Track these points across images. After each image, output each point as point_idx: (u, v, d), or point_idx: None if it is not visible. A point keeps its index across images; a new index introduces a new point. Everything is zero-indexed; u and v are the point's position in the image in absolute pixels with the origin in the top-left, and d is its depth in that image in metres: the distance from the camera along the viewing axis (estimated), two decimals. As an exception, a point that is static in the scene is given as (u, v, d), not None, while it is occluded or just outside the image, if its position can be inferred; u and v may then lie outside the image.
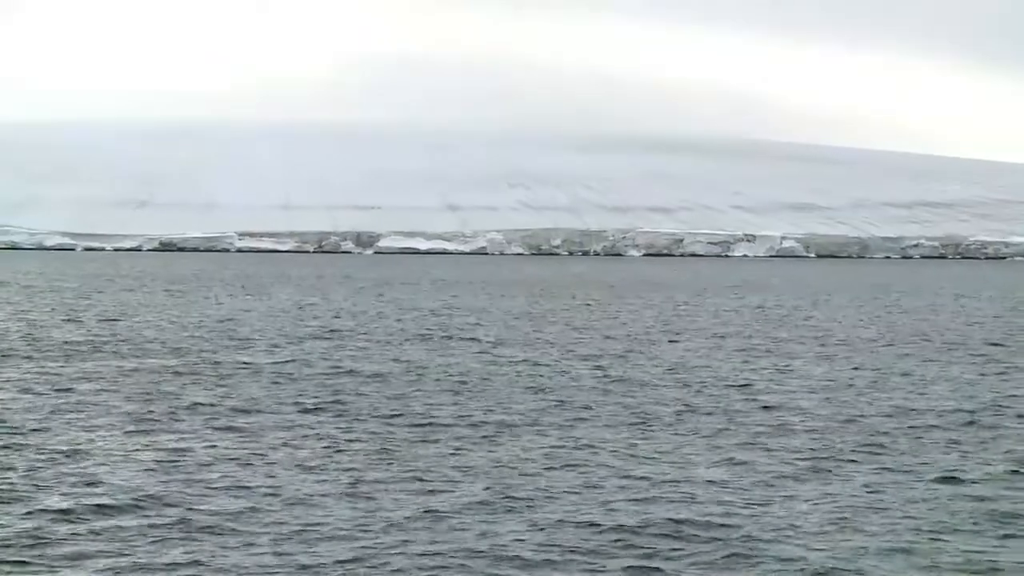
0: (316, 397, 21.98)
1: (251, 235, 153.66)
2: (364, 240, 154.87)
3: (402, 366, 27.29)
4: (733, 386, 24.54)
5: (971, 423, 20.08)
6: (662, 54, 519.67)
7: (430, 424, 19.24)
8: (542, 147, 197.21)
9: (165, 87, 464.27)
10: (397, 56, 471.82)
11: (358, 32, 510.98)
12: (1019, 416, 20.97)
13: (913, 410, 21.50)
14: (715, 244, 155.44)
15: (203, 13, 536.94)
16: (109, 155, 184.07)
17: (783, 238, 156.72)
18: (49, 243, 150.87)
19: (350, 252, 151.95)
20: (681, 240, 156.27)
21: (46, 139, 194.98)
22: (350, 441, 17.60)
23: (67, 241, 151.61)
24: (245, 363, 27.46)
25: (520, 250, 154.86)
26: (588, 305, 53.11)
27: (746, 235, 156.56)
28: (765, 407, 21.57)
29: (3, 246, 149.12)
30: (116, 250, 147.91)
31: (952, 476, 15.77)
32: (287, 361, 27.93)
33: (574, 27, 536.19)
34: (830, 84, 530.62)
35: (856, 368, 28.38)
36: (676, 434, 18.61)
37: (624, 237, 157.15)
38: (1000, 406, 22.00)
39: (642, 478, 15.34)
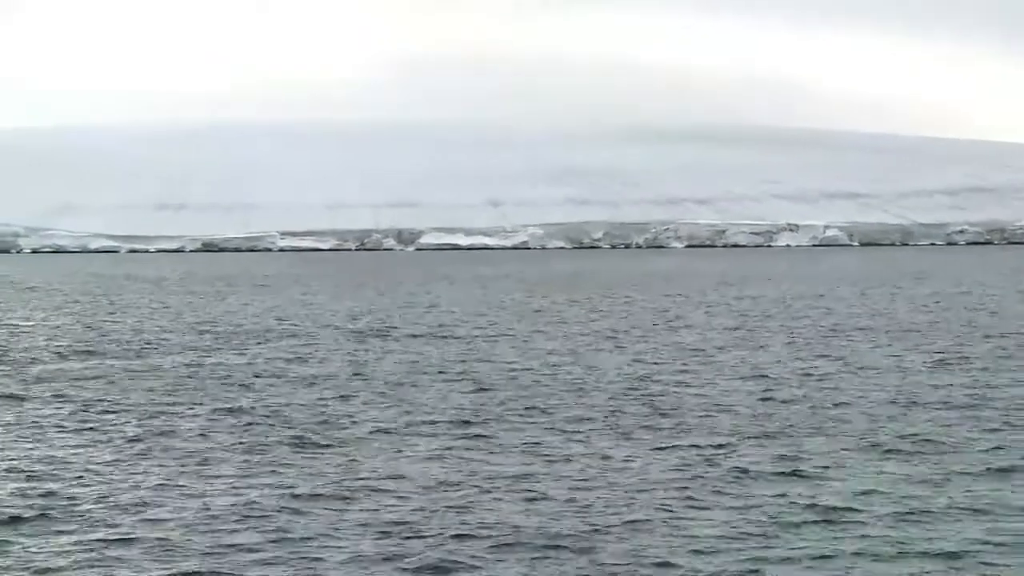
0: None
1: (292, 234, 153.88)
2: (405, 237, 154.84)
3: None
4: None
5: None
6: (700, 43, 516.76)
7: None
8: (582, 141, 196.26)
9: (199, 89, 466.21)
10: (438, 54, 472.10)
11: (396, 30, 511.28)
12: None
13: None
14: (757, 234, 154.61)
15: (238, 14, 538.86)
16: (145, 158, 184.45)
17: (826, 227, 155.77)
18: (93, 246, 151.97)
19: (392, 249, 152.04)
20: (723, 231, 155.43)
21: (82, 143, 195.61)
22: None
23: (110, 244, 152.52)
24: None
25: (561, 244, 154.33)
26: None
27: (789, 225, 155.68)
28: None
29: (48, 249, 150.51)
30: (159, 251, 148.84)
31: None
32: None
33: (612, 19, 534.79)
34: (870, 71, 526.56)
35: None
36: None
37: (666, 229, 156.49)
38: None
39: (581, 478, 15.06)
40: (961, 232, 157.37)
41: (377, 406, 21.10)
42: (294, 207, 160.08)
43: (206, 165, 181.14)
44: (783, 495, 14.16)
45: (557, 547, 12.14)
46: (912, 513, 13.29)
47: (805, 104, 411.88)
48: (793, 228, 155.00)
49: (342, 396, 22.23)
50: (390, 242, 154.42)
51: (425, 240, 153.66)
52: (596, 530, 12.74)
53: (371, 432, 18.41)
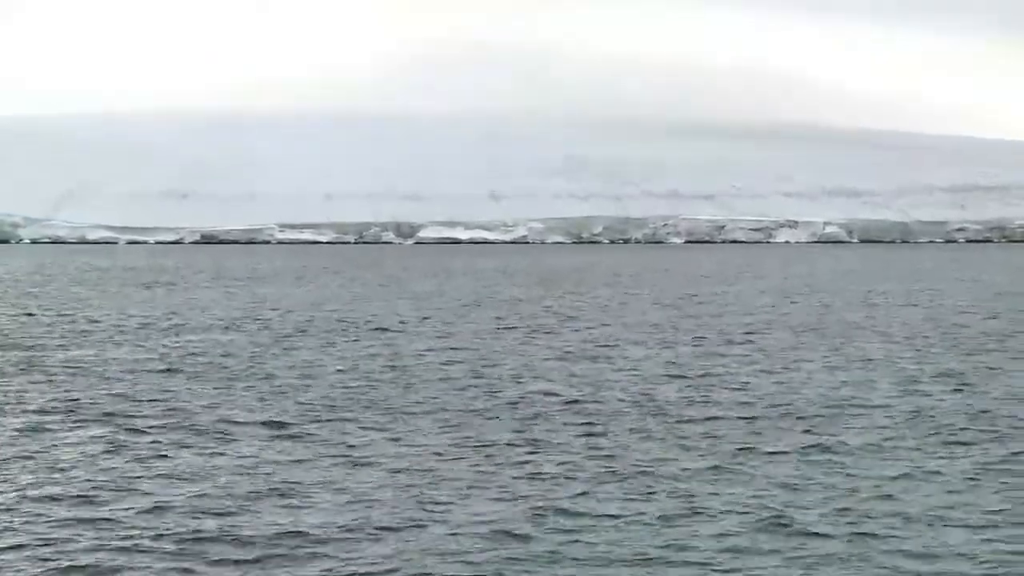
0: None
1: (291, 227, 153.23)
2: (405, 231, 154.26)
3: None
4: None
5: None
6: (702, 37, 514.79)
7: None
8: (583, 134, 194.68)
9: (208, 78, 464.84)
10: (439, 46, 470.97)
11: (397, 22, 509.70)
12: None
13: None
14: (757, 231, 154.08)
15: (241, 6, 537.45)
16: (153, 147, 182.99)
17: (825, 224, 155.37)
18: (92, 237, 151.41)
19: (391, 243, 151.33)
20: (723, 227, 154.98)
21: (91, 131, 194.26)
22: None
23: (110, 235, 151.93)
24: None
25: (561, 239, 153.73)
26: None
27: (788, 221, 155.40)
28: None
29: (45, 240, 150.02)
30: (157, 243, 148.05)
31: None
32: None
33: (613, 12, 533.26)
34: (872, 66, 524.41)
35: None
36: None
37: (665, 224, 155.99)
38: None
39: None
40: (961, 230, 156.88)
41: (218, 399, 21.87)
42: (295, 199, 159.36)
43: (212, 155, 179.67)
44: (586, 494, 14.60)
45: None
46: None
47: (806, 99, 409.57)
48: (792, 224, 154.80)
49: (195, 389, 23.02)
50: (389, 235, 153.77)
51: (425, 234, 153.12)
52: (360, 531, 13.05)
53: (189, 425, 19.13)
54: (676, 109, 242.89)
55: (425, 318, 41.26)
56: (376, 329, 36.63)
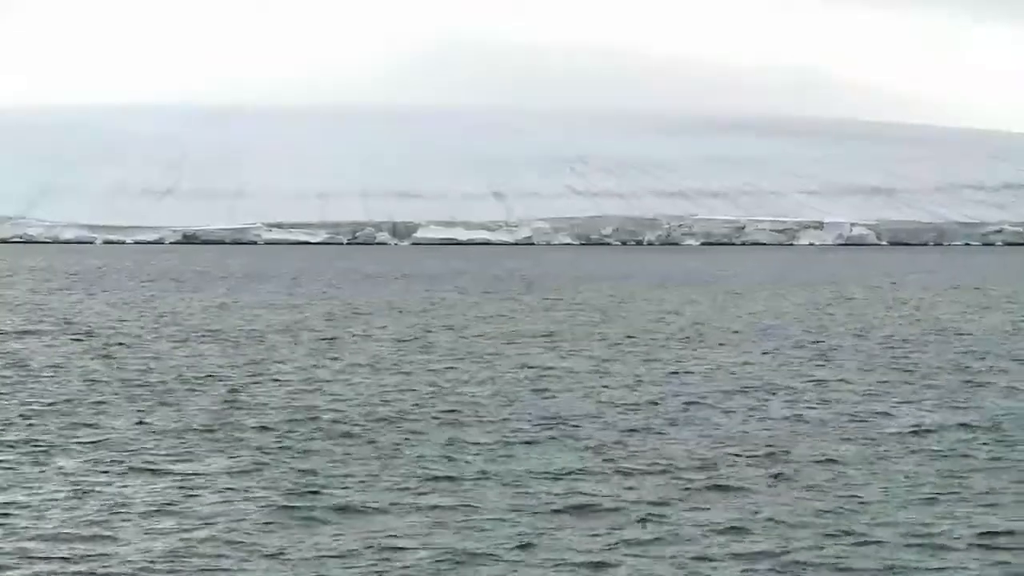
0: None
1: (279, 227, 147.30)
2: (400, 230, 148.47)
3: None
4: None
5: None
6: (716, 28, 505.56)
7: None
8: (592, 129, 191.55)
9: (194, 71, 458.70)
10: (440, 36, 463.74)
11: (397, 14, 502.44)
12: None
13: None
14: (779, 232, 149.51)
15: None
16: (135, 142, 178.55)
17: (853, 225, 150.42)
18: (66, 236, 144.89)
19: (385, 243, 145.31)
20: (742, 228, 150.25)
21: (80, 123, 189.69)
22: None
23: (85, 234, 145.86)
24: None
25: (568, 240, 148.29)
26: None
27: (813, 222, 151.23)
28: None
29: (16, 240, 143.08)
30: (136, 243, 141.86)
31: None
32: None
33: (625, 4, 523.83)
34: (901, 56, 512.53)
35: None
36: None
37: (680, 225, 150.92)
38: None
39: None
40: (999, 232, 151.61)
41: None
42: (284, 197, 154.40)
43: (198, 151, 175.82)
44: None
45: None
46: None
47: (832, 92, 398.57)
48: (817, 226, 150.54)
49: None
50: (384, 236, 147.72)
51: (422, 234, 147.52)
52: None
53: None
54: (690, 103, 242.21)
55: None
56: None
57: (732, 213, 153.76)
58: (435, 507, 14.73)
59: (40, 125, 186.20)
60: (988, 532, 13.84)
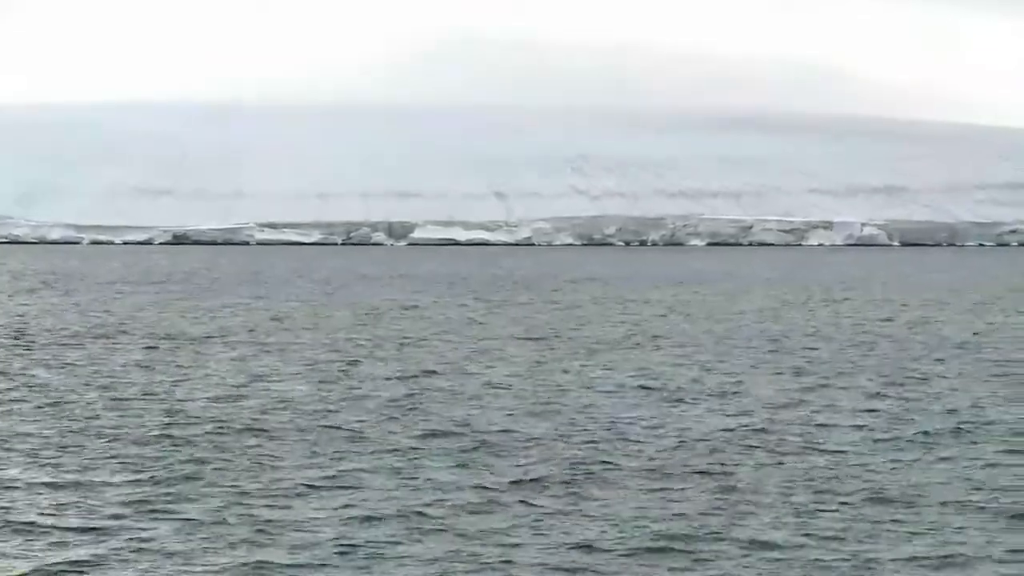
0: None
1: (272, 227, 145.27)
2: (397, 231, 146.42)
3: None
4: None
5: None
6: (719, 25, 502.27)
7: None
8: (593, 128, 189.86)
9: (189, 70, 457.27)
10: (440, 35, 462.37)
11: (397, 12, 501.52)
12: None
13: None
14: (787, 232, 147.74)
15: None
16: (145, 139, 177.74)
17: (863, 225, 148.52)
18: (53, 236, 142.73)
19: (381, 244, 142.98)
20: (749, 227, 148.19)
21: (79, 122, 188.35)
22: None
23: (72, 234, 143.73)
24: None
25: (570, 240, 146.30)
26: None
27: (822, 222, 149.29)
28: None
29: (3, 240, 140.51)
30: (125, 243, 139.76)
31: None
32: None
33: (622, 3, 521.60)
34: (914, 51, 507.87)
35: None
36: None
37: (685, 225, 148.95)
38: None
39: None
40: (1014, 232, 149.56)
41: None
42: (279, 196, 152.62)
43: (192, 150, 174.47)
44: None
45: None
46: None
47: (842, 88, 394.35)
48: (827, 226, 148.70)
49: None
50: (379, 236, 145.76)
51: (418, 234, 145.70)
52: None
53: None
54: (696, 100, 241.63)
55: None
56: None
57: (737, 212, 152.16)
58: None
59: (39, 124, 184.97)
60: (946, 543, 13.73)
